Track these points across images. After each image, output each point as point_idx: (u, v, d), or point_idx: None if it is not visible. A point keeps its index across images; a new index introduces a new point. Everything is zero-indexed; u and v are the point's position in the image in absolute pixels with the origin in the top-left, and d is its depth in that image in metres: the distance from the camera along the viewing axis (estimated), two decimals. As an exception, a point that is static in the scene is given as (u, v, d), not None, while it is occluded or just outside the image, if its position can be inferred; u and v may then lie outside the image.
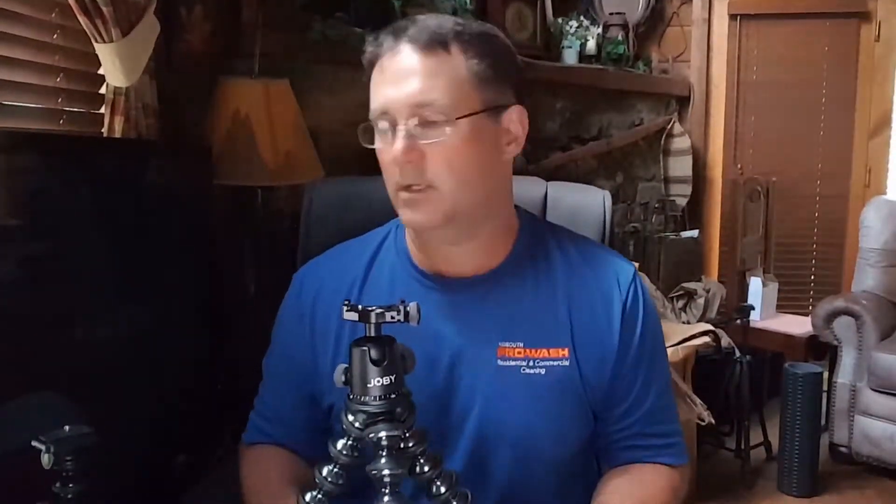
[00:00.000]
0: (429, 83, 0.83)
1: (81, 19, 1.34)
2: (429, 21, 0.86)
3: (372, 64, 0.87)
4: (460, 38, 0.85)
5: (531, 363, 0.90)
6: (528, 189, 1.18)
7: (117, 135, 1.43)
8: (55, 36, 1.42)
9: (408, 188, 0.85)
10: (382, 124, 0.85)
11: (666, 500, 0.93)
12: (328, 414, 0.96)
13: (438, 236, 0.90)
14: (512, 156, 0.92)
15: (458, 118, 0.83)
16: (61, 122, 1.45)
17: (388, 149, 0.84)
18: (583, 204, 1.19)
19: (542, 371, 0.90)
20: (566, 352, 0.90)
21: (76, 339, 1.22)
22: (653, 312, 0.96)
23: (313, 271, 1.01)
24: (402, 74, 0.83)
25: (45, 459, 0.81)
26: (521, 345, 0.90)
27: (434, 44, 0.83)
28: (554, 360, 0.90)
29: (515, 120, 0.90)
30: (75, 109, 1.49)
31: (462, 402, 0.91)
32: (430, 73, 0.83)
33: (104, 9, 1.34)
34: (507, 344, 0.90)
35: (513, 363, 0.90)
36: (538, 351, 0.90)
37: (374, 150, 0.89)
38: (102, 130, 1.45)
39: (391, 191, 0.88)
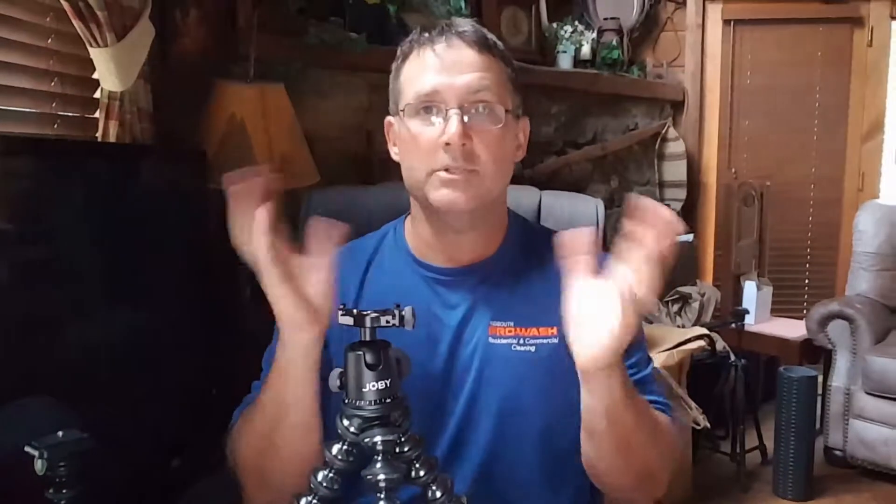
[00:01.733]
0: (482, 75, 0.90)
1: (76, 23, 1.34)
2: (473, 25, 0.93)
3: (409, 53, 0.92)
4: (497, 47, 0.93)
5: (521, 341, 0.95)
6: (523, 198, 1.22)
7: (112, 139, 1.43)
8: (49, 40, 1.42)
9: (450, 170, 0.89)
10: (429, 107, 0.89)
11: (669, 431, 0.93)
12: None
13: (460, 220, 0.94)
14: (517, 160, 0.99)
15: (505, 111, 0.91)
16: (56, 126, 1.44)
17: (431, 132, 0.89)
18: (576, 212, 1.22)
19: (532, 348, 0.95)
20: (555, 330, 0.95)
21: (71, 344, 1.22)
22: None
23: None
24: (459, 64, 0.89)
25: (39, 465, 0.81)
26: (512, 324, 0.95)
27: (483, 44, 0.91)
28: (543, 338, 0.95)
29: (524, 130, 0.99)
30: (70, 114, 1.48)
31: (456, 383, 0.95)
32: (484, 67, 0.90)
33: (99, 13, 1.34)
34: (497, 323, 0.96)
35: (503, 341, 0.95)
36: (528, 329, 0.95)
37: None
38: (97, 135, 1.45)
39: (423, 173, 0.90)
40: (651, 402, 0.97)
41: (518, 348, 0.95)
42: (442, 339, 0.95)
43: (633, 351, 0.98)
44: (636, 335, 0.98)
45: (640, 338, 1.00)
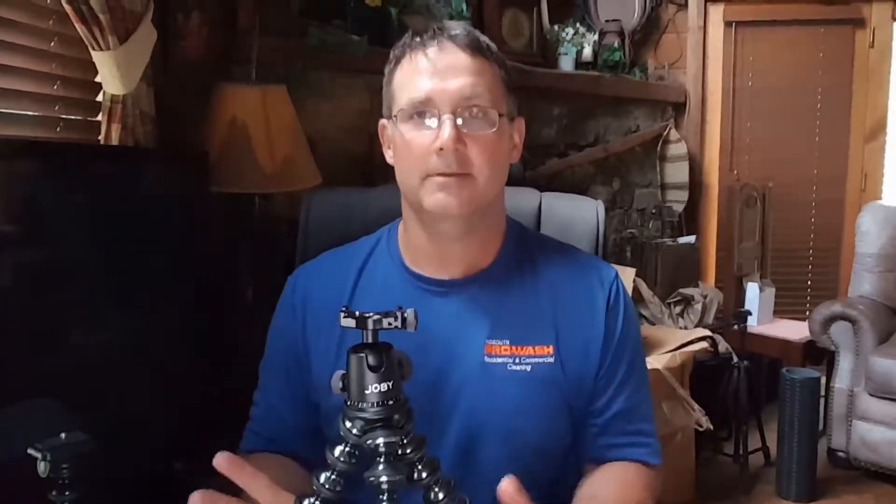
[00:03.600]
0: (476, 79, 0.89)
1: (78, 27, 1.35)
2: (465, 28, 0.92)
3: (401, 58, 0.92)
4: (490, 49, 0.92)
5: (517, 360, 0.93)
6: (523, 199, 1.21)
7: (114, 142, 1.43)
8: (52, 44, 1.43)
9: (444, 174, 0.88)
10: (422, 113, 0.88)
11: (643, 499, 0.94)
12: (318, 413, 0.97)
13: (455, 226, 0.92)
14: (513, 161, 0.97)
15: (499, 116, 0.90)
16: (58, 129, 1.45)
17: (424, 137, 0.88)
18: (576, 214, 1.21)
19: (528, 368, 0.93)
20: (550, 349, 0.94)
21: (72, 347, 1.22)
22: (632, 314, 1.00)
23: (305, 273, 1.04)
24: (452, 68, 0.88)
25: (42, 467, 0.81)
26: (508, 342, 0.94)
27: (476, 48, 0.90)
28: (539, 356, 0.93)
29: (518, 130, 0.97)
30: (72, 117, 1.49)
31: (449, 398, 0.93)
32: (476, 71, 0.89)
33: (101, 16, 1.34)
34: (493, 341, 0.94)
35: (499, 360, 0.93)
36: (524, 348, 0.94)
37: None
38: (99, 138, 1.45)
39: (417, 178, 0.89)
40: (635, 432, 0.97)
41: (514, 368, 0.93)
42: (433, 352, 0.93)
43: (632, 375, 0.97)
44: (633, 353, 0.98)
45: (635, 359, 0.98)
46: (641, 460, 0.97)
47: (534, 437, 0.94)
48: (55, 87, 1.44)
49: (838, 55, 3.57)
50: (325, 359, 0.95)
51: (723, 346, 2.72)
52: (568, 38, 3.16)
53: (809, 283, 3.66)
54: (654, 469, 0.98)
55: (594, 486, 0.93)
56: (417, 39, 0.90)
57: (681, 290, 3.11)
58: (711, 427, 2.41)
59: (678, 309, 3.08)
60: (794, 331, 3.03)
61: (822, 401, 2.64)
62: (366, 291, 0.98)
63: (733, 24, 3.59)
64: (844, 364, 2.70)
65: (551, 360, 0.93)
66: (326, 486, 0.77)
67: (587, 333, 0.95)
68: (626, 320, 0.98)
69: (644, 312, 2.84)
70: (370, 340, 0.75)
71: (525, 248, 1.00)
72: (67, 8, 1.32)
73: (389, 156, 0.97)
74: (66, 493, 0.82)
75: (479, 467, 0.93)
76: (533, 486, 0.95)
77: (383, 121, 0.97)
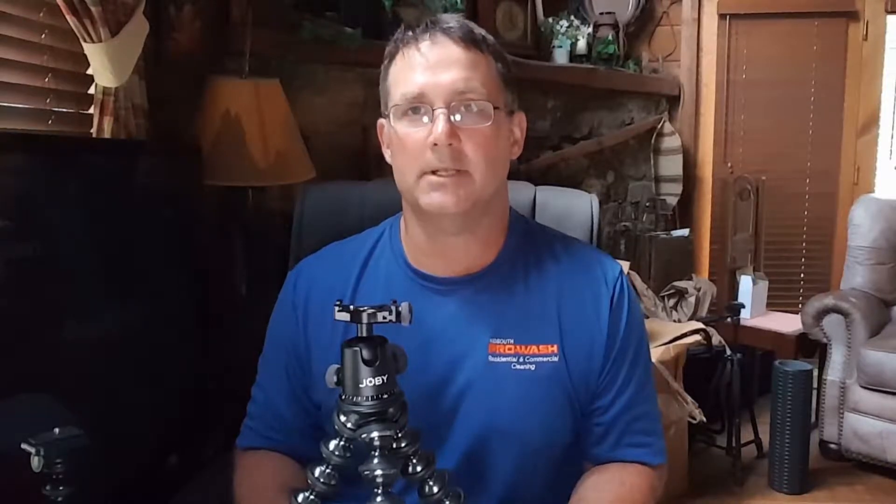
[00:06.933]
0: (469, 73, 0.87)
1: (70, 19, 1.34)
2: (459, 20, 0.90)
3: (395, 53, 0.90)
4: (487, 42, 0.91)
5: (521, 359, 0.92)
6: (518, 193, 1.21)
7: (106, 135, 1.42)
8: (43, 36, 1.41)
9: (438, 172, 0.87)
10: (416, 108, 0.87)
11: (643, 500, 0.94)
12: (319, 411, 0.97)
13: (453, 223, 0.91)
14: (514, 157, 0.96)
15: (494, 109, 0.88)
16: (50, 122, 1.44)
17: (418, 133, 0.87)
18: (571, 207, 1.21)
19: (533, 367, 0.92)
20: (555, 348, 0.93)
21: (66, 341, 1.22)
22: (637, 310, 0.99)
23: (308, 268, 1.03)
24: (445, 62, 0.87)
25: (36, 462, 0.81)
26: (512, 341, 0.93)
27: (470, 41, 0.88)
28: (543, 356, 0.93)
29: (519, 125, 0.96)
30: (64, 110, 1.48)
31: (454, 398, 0.93)
32: (470, 64, 0.88)
33: (93, 8, 1.33)
34: (497, 340, 0.93)
35: (503, 359, 0.92)
36: (528, 347, 0.93)
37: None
38: (91, 131, 1.44)
39: (413, 175, 0.88)
40: (638, 431, 0.96)
41: (518, 367, 0.92)
42: (437, 351, 0.92)
43: (636, 374, 0.96)
44: (637, 354, 0.97)
45: (639, 358, 0.97)
46: (643, 461, 0.97)
47: (538, 436, 0.93)
48: (46, 79, 1.43)
49: (832, 48, 3.58)
50: (327, 355, 0.93)
51: (716, 338, 2.73)
52: (562, 30, 3.16)
53: (802, 275, 3.68)
54: (656, 469, 0.98)
55: (587, 489, 0.93)
56: (410, 34, 0.89)
57: (674, 283, 3.11)
58: (704, 419, 2.42)
59: (672, 302, 3.09)
60: (787, 323, 3.04)
61: (814, 393, 2.66)
62: (368, 288, 0.97)
63: (727, 16, 3.59)
64: (836, 356, 2.71)
65: (556, 359, 0.92)
66: (321, 480, 0.77)
67: (592, 332, 0.94)
68: (630, 318, 0.96)
69: (638, 305, 2.84)
70: (364, 334, 0.75)
71: (529, 244, 0.98)
72: (59, 0, 1.31)
73: (388, 155, 0.95)
74: (60, 487, 0.82)
75: (482, 466, 0.93)
76: (534, 485, 0.96)
77: (381, 120, 0.95)
